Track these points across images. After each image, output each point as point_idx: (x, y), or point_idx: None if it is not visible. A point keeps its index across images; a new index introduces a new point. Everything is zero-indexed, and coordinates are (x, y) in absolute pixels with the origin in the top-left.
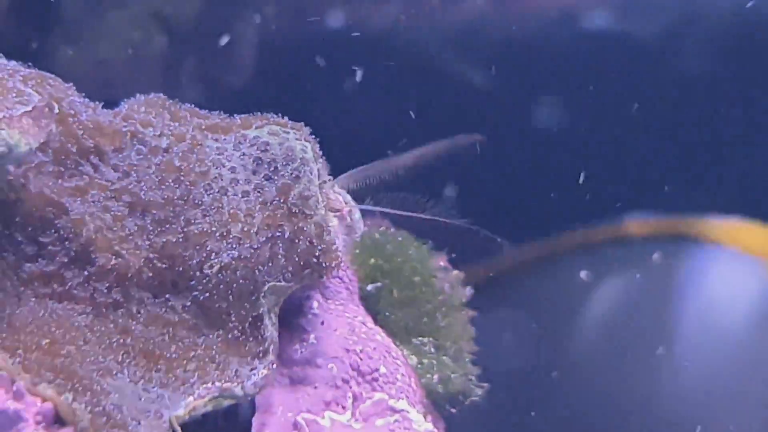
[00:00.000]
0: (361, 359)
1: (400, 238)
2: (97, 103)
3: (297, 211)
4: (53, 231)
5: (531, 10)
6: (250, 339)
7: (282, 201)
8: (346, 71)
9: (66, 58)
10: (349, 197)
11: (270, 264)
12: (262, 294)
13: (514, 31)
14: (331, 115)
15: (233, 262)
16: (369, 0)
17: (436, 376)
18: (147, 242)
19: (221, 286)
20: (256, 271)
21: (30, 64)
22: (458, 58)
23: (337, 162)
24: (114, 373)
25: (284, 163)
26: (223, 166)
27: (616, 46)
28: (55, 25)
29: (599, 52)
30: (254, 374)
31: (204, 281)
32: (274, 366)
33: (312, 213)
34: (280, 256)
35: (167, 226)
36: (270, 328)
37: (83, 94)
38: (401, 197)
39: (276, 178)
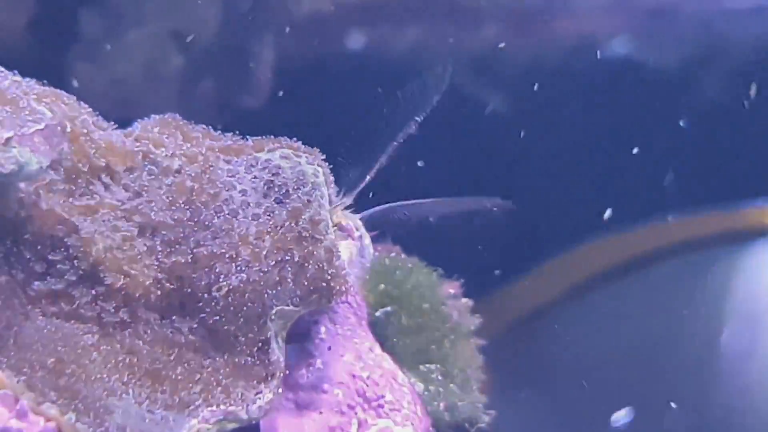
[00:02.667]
0: (367, 385)
1: (410, 265)
2: (111, 122)
3: (307, 235)
4: (62, 249)
5: (551, 39)
6: (257, 362)
7: (292, 225)
8: (363, 94)
9: (83, 75)
10: (360, 222)
11: (278, 288)
12: (270, 318)
13: (533, 59)
14: (347, 137)
15: (242, 285)
16: (387, 25)
17: (442, 404)
18: (156, 263)
19: (229, 309)
20: (265, 294)
21: (45, 81)
22: (478, 85)
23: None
24: (119, 393)
25: (295, 186)
26: (234, 189)
27: (636, 74)
28: (72, 43)
29: (620, 81)
30: (259, 398)
31: (212, 303)
32: (280, 390)
33: (322, 237)
34: (288, 280)
35: (176, 247)
36: (276, 352)
37: (97, 113)
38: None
39: (287, 201)
